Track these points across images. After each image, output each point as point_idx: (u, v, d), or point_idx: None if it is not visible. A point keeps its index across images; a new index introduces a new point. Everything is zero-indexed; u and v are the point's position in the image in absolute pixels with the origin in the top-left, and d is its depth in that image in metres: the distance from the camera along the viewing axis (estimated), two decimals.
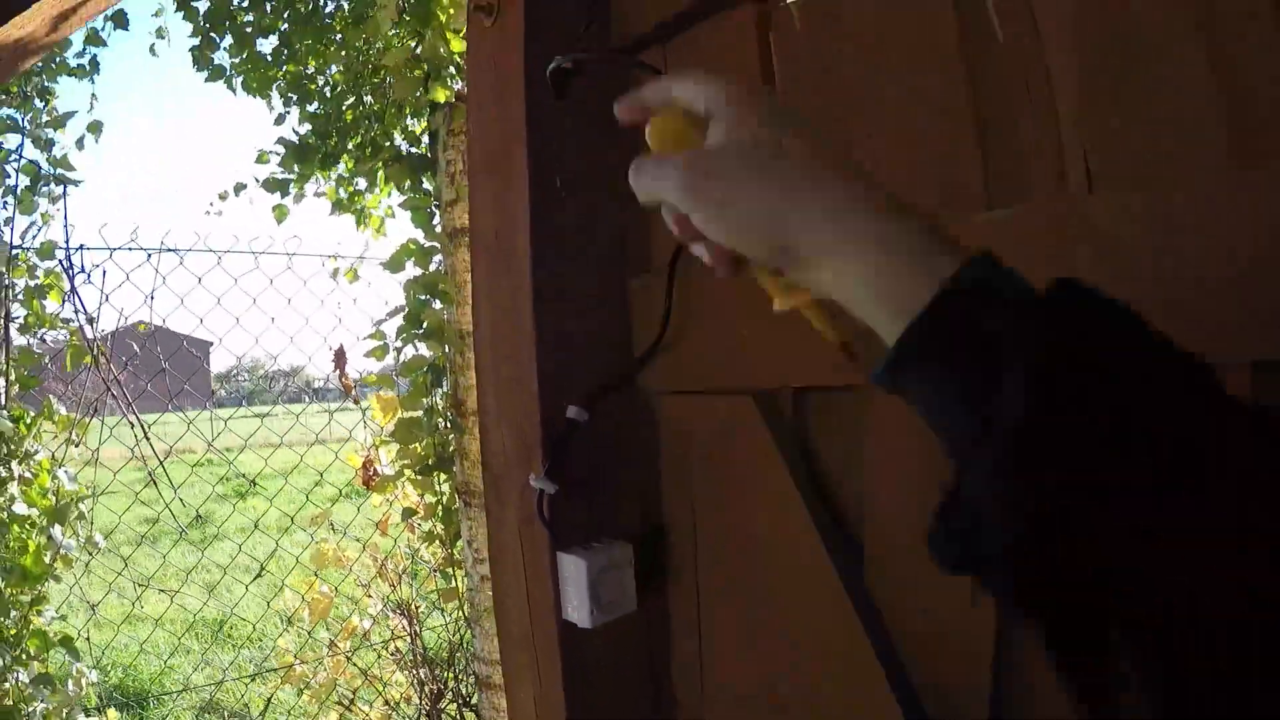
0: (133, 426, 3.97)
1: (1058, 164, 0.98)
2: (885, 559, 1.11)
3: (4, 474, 3.25)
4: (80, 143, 4.21)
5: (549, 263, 1.32)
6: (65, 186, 3.86)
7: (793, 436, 1.21)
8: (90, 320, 3.82)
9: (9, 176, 3.76)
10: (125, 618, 4.82)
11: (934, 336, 0.56)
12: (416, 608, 3.90)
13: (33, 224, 3.81)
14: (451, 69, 3.24)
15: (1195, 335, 0.62)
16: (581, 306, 1.36)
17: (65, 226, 3.84)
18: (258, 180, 4.75)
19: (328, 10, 4.46)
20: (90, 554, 3.53)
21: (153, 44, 4.66)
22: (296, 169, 4.34)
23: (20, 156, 3.79)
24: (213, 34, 4.37)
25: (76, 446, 3.63)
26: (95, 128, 4.25)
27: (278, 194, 4.41)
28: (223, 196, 5.10)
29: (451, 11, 3.11)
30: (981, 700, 1.00)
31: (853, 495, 1.16)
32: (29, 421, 3.38)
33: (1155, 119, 0.87)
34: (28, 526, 3.24)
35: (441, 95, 3.16)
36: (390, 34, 3.43)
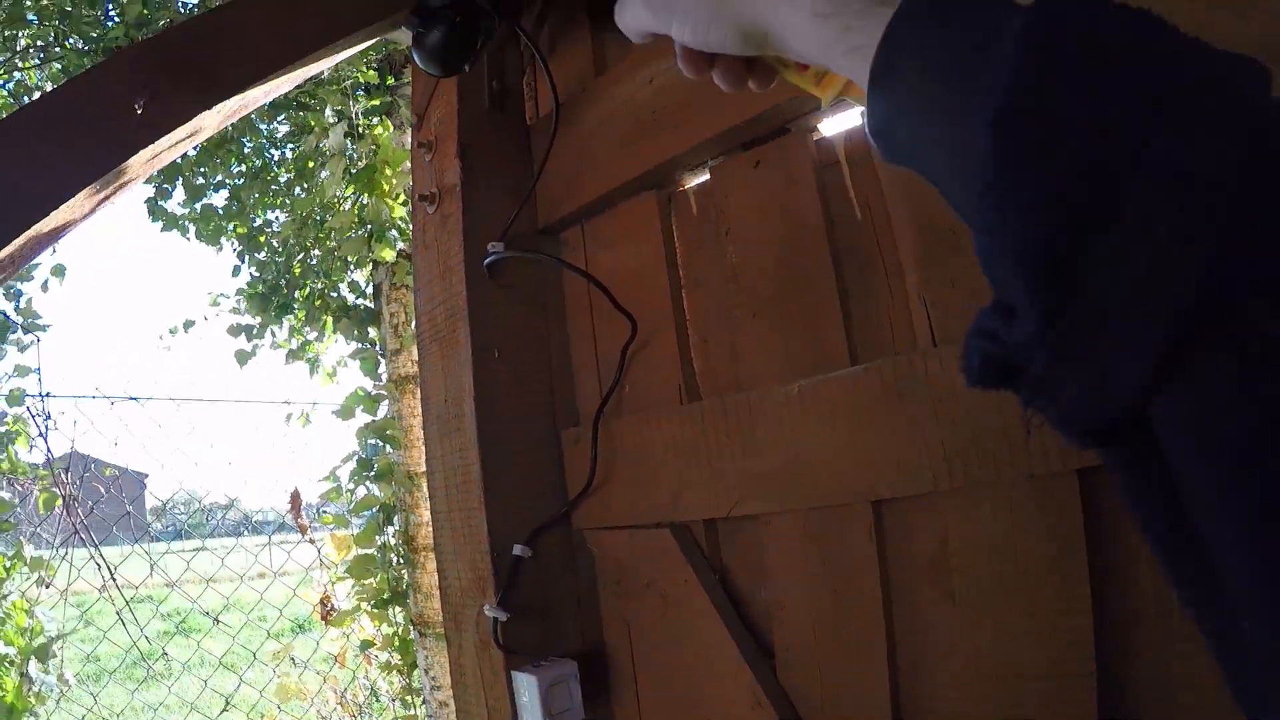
0: (99, 567, 4.05)
1: (907, 321, 1.20)
2: (793, 656, 1.29)
3: None
4: (45, 286, 4.35)
5: (490, 422, 1.51)
6: (39, 337, 3.98)
7: (706, 561, 1.41)
8: (65, 470, 3.92)
9: None
10: None
11: (922, 16, 0.54)
12: None
13: (6, 374, 3.92)
14: (394, 231, 3.42)
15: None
16: (520, 457, 1.55)
17: (38, 376, 3.95)
18: (207, 318, 4.91)
19: (274, 159, 4.68)
20: (62, 691, 3.60)
21: None
22: (259, 318, 4.51)
23: None
24: (165, 185, 4.54)
25: (47, 587, 3.72)
26: (59, 271, 4.38)
27: (242, 337, 4.57)
28: (172, 331, 5.21)
29: (394, 181, 3.32)
30: None
31: (761, 605, 1.35)
32: (7, 565, 3.47)
33: (984, 276, 1.08)
34: (5, 665, 3.32)
35: (385, 254, 3.35)
36: (334, 196, 3.63)
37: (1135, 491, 0.48)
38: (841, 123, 1.32)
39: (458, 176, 1.60)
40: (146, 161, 1.32)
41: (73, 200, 1.20)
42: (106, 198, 1.32)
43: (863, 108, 0.70)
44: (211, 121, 1.39)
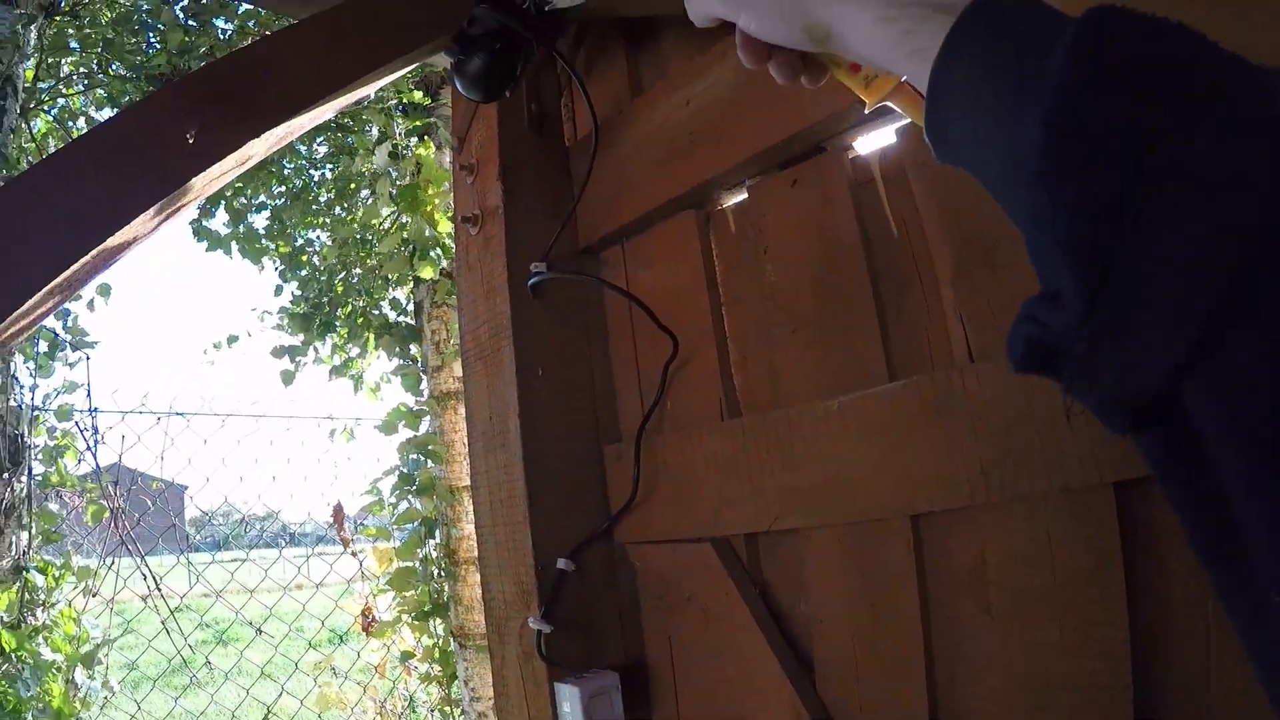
0: (145, 578, 4.12)
1: (944, 337, 1.21)
2: (832, 669, 1.31)
3: (34, 623, 3.42)
4: (91, 305, 4.44)
5: (534, 438, 1.54)
6: (88, 355, 4.07)
7: (746, 575, 1.43)
8: (113, 483, 3.99)
9: (34, 342, 3.97)
10: None
11: (980, 26, 0.57)
12: None
13: (55, 390, 4.01)
14: (438, 250, 3.47)
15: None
16: (564, 473, 1.58)
17: (88, 392, 4.03)
18: (250, 334, 4.98)
19: (314, 180, 4.75)
20: (107, 697, 3.67)
21: None
22: (301, 336, 4.58)
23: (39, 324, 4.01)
24: (209, 206, 4.63)
25: (94, 596, 3.80)
26: (104, 290, 4.48)
27: (285, 358, 4.64)
28: (217, 346, 5.31)
29: (435, 201, 3.36)
30: None
31: (801, 618, 1.37)
32: (57, 575, 3.55)
33: (1019, 289, 1.09)
34: (53, 671, 3.39)
35: (427, 272, 3.39)
36: (379, 216, 3.69)
37: (1169, 474, 0.51)
38: (876, 141, 1.34)
39: (499, 198, 1.64)
40: (201, 188, 1.36)
41: (126, 227, 1.23)
42: (158, 224, 1.35)
43: (901, 112, 0.76)
44: (260, 148, 1.42)
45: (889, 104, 0.76)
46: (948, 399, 1.15)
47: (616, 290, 1.62)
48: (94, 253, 1.21)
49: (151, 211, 1.28)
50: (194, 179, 1.30)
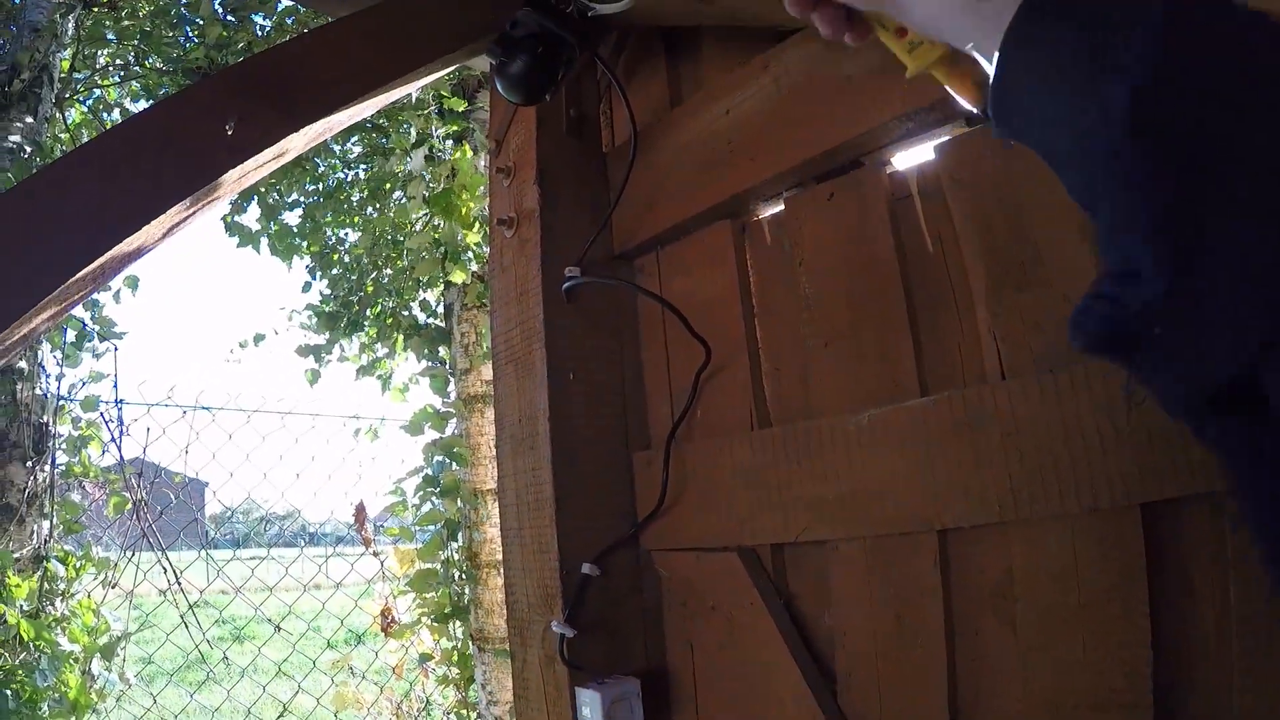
0: (165, 572, 4.14)
1: (977, 354, 1.22)
2: (855, 681, 1.31)
3: (53, 613, 3.44)
4: (118, 296, 4.48)
5: (564, 442, 1.55)
6: (115, 346, 4.10)
7: (772, 585, 1.43)
8: (137, 475, 4.02)
9: (61, 331, 4.00)
10: None
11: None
12: None
13: (81, 380, 4.05)
14: (470, 253, 3.48)
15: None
16: (592, 478, 1.58)
17: (115, 384, 4.06)
18: (277, 332, 5.01)
19: (348, 179, 4.78)
20: (124, 690, 3.69)
21: None
22: (327, 335, 4.60)
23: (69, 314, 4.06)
24: (241, 201, 4.67)
25: (113, 588, 3.82)
26: (132, 282, 4.52)
27: (310, 358, 4.67)
28: (242, 345, 5.36)
29: (471, 205, 3.37)
30: None
31: (825, 630, 1.37)
32: (77, 566, 3.58)
33: (1051, 308, 1.10)
34: (71, 662, 3.41)
35: (458, 275, 3.41)
36: (414, 218, 3.71)
37: (1239, 461, 0.50)
38: (914, 157, 1.34)
39: (536, 202, 1.64)
40: (234, 181, 1.36)
41: (161, 217, 1.24)
42: (192, 215, 1.36)
43: (942, 84, 0.75)
44: (298, 144, 1.43)
45: (931, 73, 0.76)
46: (978, 415, 1.15)
47: (651, 296, 1.62)
48: (123, 244, 1.22)
49: (186, 202, 1.29)
50: (229, 172, 1.31)
